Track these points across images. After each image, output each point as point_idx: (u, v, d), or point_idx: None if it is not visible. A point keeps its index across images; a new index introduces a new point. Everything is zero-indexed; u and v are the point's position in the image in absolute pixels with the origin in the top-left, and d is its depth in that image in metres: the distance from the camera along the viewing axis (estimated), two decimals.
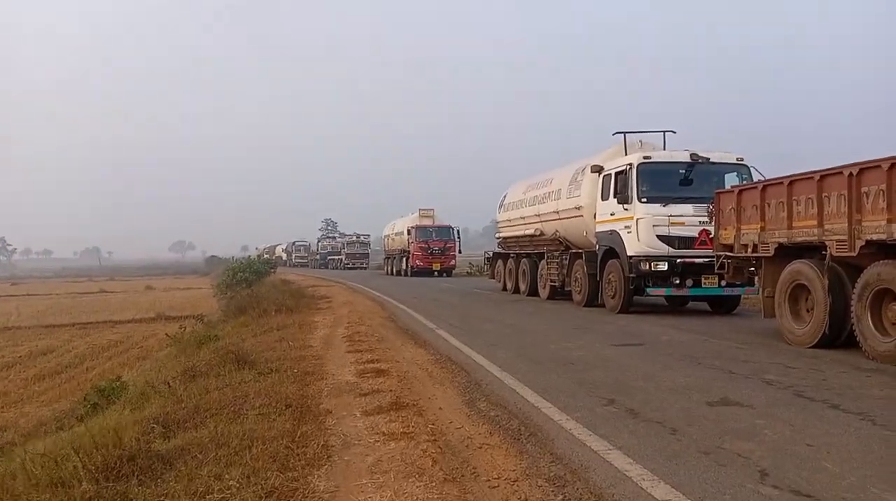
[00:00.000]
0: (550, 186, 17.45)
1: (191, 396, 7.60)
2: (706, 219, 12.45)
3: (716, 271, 10.93)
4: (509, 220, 20.67)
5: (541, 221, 17.82)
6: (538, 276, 18.11)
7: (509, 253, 20.89)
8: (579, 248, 15.89)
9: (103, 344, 26.63)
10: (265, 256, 65.61)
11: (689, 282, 12.61)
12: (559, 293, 17.13)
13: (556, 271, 16.46)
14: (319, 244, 71.38)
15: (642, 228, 12.58)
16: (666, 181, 12.97)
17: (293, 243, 79.48)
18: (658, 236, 12.54)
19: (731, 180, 13.32)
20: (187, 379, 9.17)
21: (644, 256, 12.56)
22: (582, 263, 14.93)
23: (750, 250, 9.56)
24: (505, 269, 21.06)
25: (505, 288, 20.96)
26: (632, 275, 12.74)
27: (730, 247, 10.17)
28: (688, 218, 12.53)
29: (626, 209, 12.93)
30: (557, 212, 16.55)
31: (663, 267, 12.44)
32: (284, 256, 77.98)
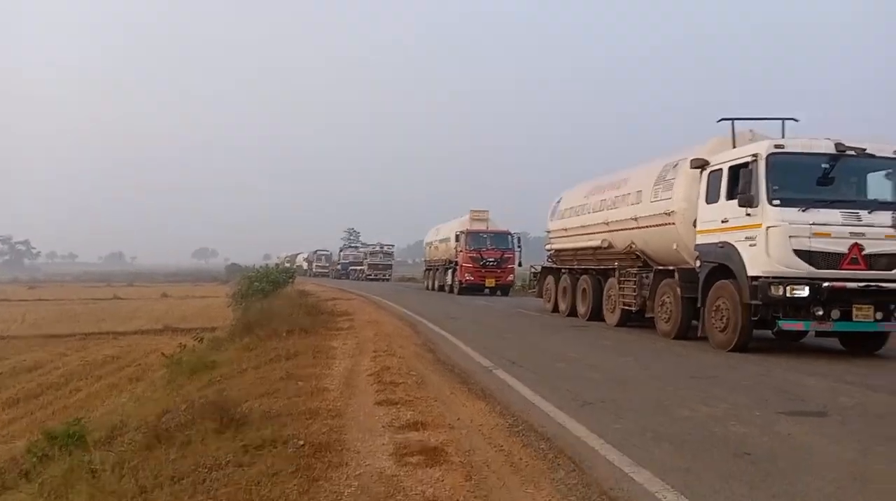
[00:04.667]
0: (625, 188, 14.33)
1: (126, 493, 4.75)
2: (859, 229, 9.35)
3: None
4: (565, 230, 17.56)
5: (610, 231, 14.72)
6: (604, 297, 14.95)
7: (563, 269, 17.78)
8: (662, 264, 12.78)
9: (99, 359, 23.99)
10: (286, 265, 63.12)
11: (834, 314, 9.42)
12: (631, 318, 13.99)
13: (633, 292, 13.30)
14: (341, 254, 68.63)
15: (775, 240, 9.40)
16: (803, 178, 9.80)
17: (314, 252, 76.99)
18: (795, 250, 9.37)
19: (877, 181, 10.22)
20: (144, 446, 6.29)
21: (775, 277, 9.37)
22: (673, 284, 11.77)
23: None
24: (557, 287, 17.89)
25: (556, 310, 17.81)
26: (755, 302, 9.57)
27: None
28: (834, 227, 9.35)
29: (749, 215, 9.76)
30: (636, 219, 13.42)
31: (803, 292, 9.24)
32: (305, 265, 75.49)
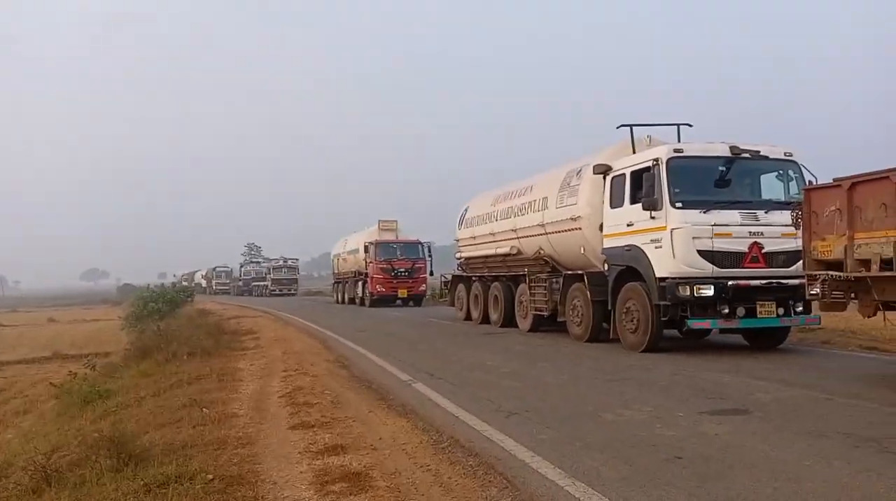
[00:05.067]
0: (531, 195, 14.44)
1: None
2: (757, 229, 9.72)
3: (808, 296, 8.04)
4: (474, 238, 17.54)
5: (518, 237, 14.78)
6: (516, 303, 15.00)
7: (473, 276, 17.75)
8: (571, 269, 12.91)
9: None
10: (183, 283, 60.50)
11: (740, 312, 9.73)
12: (543, 323, 14.07)
13: (544, 297, 13.38)
14: (242, 270, 66.44)
15: (679, 241, 9.63)
16: (702, 181, 10.13)
17: (213, 269, 74.19)
18: (699, 251, 9.62)
19: (768, 182, 10.69)
20: (31, 490, 5.67)
21: (681, 278, 9.60)
22: (583, 288, 11.89)
23: (876, 267, 6.70)
24: (469, 295, 17.85)
25: (469, 318, 17.75)
26: (664, 303, 9.77)
27: (833, 264, 7.33)
28: (734, 227, 9.68)
29: (653, 218, 9.98)
30: (543, 226, 13.51)
31: (708, 291, 9.49)
32: (204, 283, 72.69)
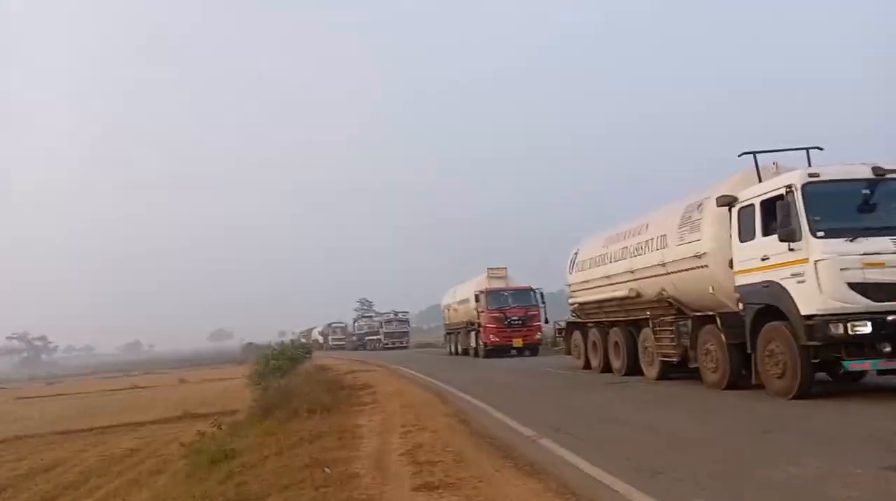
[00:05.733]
0: (646, 233, 13.74)
1: None
2: None
3: None
4: (587, 282, 16.89)
5: (636, 279, 14.05)
6: (640, 349, 14.17)
7: (589, 322, 17.04)
8: (698, 310, 12.07)
9: (118, 453, 23.08)
10: (301, 340, 62.40)
11: None
12: (672, 370, 13.17)
13: (671, 342, 12.54)
14: (356, 324, 67.93)
15: (826, 274, 8.72)
16: (844, 206, 9.20)
17: (329, 325, 76.30)
18: (849, 284, 8.69)
19: None
20: None
21: (832, 314, 8.67)
22: (716, 330, 11.02)
23: None
24: (586, 342, 17.11)
25: (588, 366, 16.97)
26: (814, 344, 8.83)
27: None
28: (888, 256, 8.67)
29: (792, 250, 9.14)
30: (663, 265, 12.77)
31: (865, 329, 8.51)
32: (321, 339, 74.72)
